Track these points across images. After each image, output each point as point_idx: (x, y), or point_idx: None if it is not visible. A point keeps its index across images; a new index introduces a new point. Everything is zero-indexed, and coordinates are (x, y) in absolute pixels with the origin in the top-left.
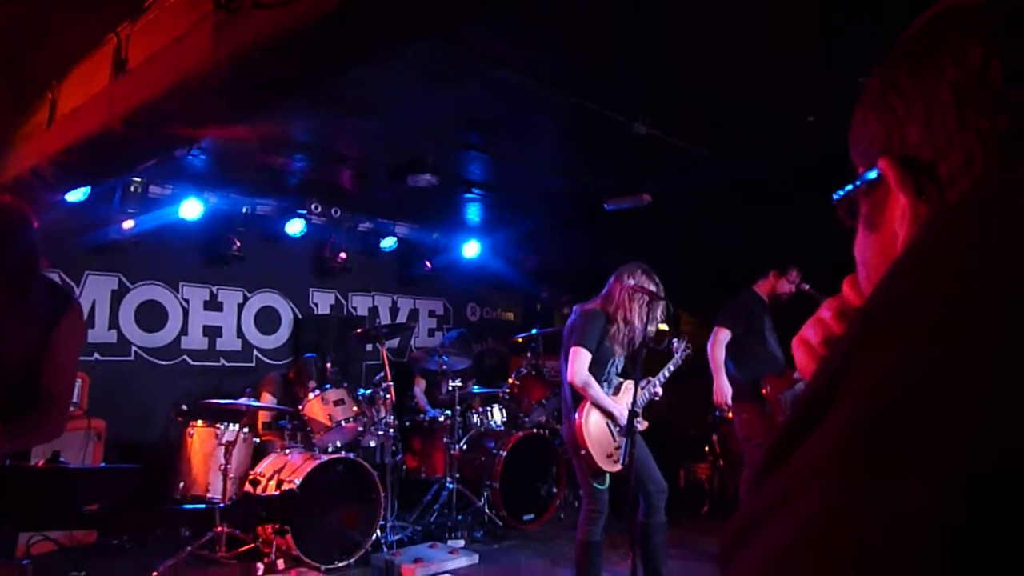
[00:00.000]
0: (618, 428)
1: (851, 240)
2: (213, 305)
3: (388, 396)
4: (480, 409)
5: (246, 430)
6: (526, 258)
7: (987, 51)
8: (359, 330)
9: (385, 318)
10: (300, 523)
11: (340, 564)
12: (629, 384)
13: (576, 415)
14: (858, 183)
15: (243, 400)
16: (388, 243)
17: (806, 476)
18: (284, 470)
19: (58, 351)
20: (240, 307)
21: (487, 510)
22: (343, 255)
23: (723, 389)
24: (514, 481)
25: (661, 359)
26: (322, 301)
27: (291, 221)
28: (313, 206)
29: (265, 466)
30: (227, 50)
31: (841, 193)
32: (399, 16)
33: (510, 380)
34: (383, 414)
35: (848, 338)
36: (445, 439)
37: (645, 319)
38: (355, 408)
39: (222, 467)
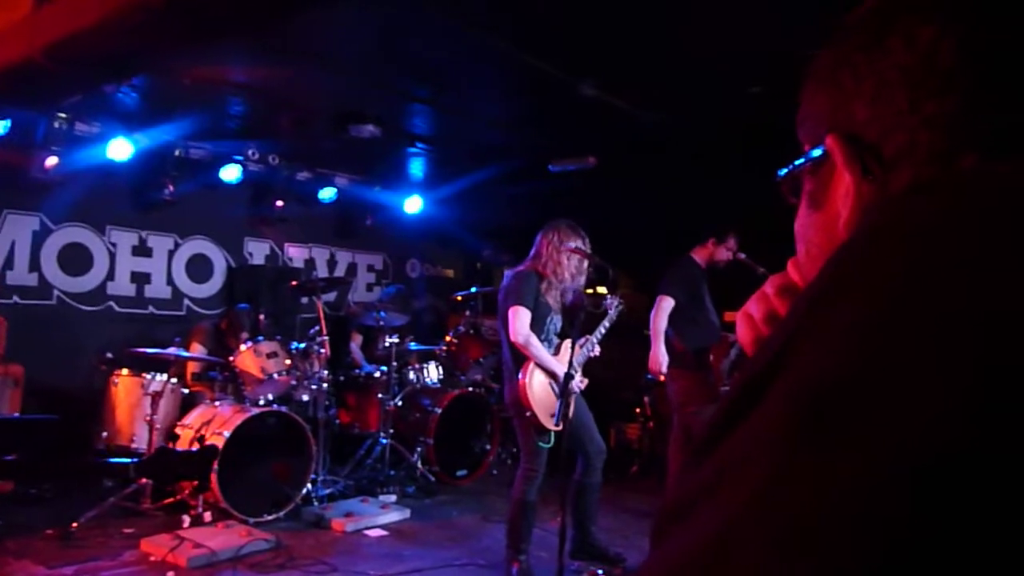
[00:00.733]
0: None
1: (790, 213)
2: (142, 251)
3: (323, 350)
4: (417, 366)
5: (174, 380)
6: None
7: (939, 32)
8: (295, 282)
9: (322, 271)
10: (229, 476)
11: (269, 517)
12: (567, 344)
13: (520, 375)
14: (803, 160)
15: (172, 350)
16: (327, 194)
17: (741, 457)
18: (213, 422)
19: None
20: (171, 254)
21: (420, 466)
22: (280, 204)
23: (659, 357)
24: (448, 438)
25: (598, 318)
26: (257, 251)
27: (227, 167)
28: (250, 152)
29: (193, 418)
30: None
31: (785, 170)
32: None
33: (448, 338)
34: (317, 368)
35: (792, 319)
36: (380, 395)
37: (574, 271)
38: (288, 361)
39: (148, 418)
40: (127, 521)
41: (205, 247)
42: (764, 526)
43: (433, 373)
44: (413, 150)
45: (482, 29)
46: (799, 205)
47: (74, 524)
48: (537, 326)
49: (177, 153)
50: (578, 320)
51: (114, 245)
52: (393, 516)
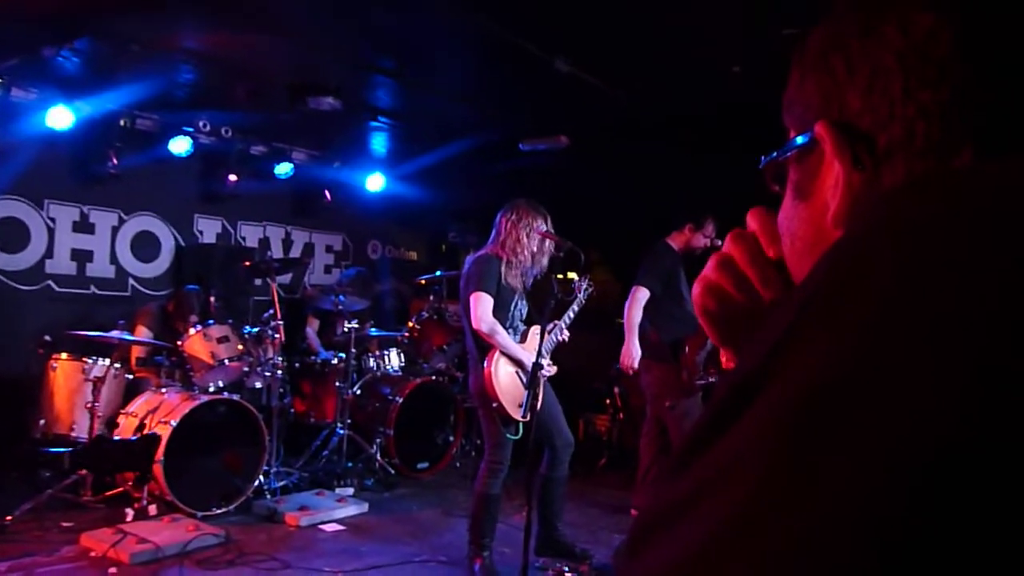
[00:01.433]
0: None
1: (774, 200)
2: (84, 227)
3: (277, 335)
4: (377, 353)
5: (118, 365)
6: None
7: (937, 20)
8: (248, 262)
9: (277, 251)
10: (176, 467)
11: (218, 511)
12: (535, 330)
13: (485, 364)
14: (789, 147)
15: (115, 333)
16: (284, 170)
17: (730, 463)
18: (159, 410)
19: None
20: (115, 230)
21: (379, 458)
22: (233, 179)
23: (632, 351)
24: (409, 429)
25: (568, 305)
26: (208, 229)
27: (176, 139)
28: (201, 123)
29: (138, 405)
30: None
31: (769, 157)
32: None
33: (410, 324)
34: (271, 354)
35: (782, 321)
36: (338, 383)
37: (535, 251)
38: (240, 346)
39: (89, 405)
40: (66, 514)
41: (152, 224)
42: (755, 537)
43: (394, 360)
44: (375, 124)
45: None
46: (783, 195)
47: (8, 517)
48: (501, 312)
49: (122, 123)
50: (547, 307)
51: (53, 221)
52: (350, 510)
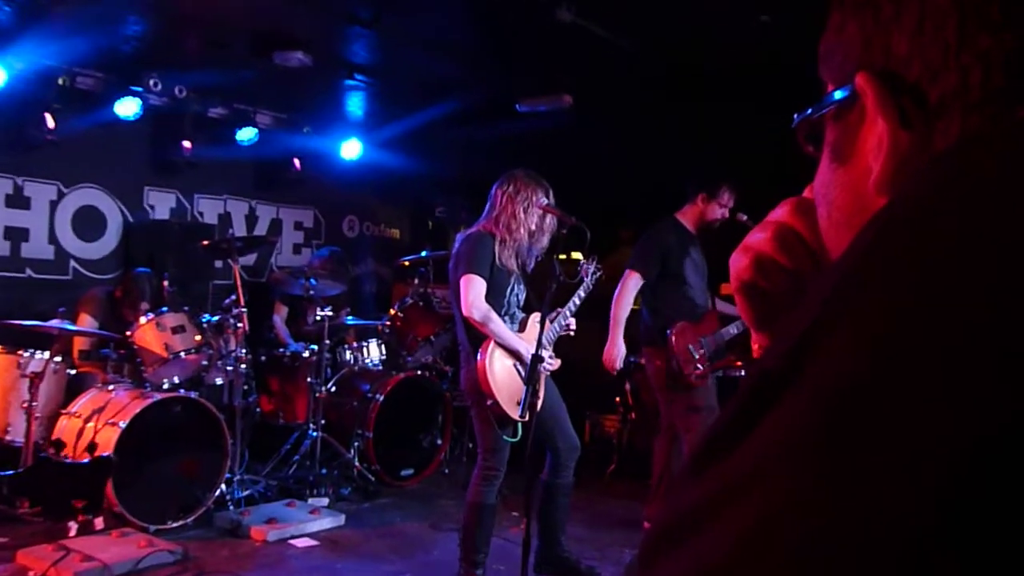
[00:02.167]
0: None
1: (806, 165)
2: (17, 201)
3: (240, 325)
4: (354, 344)
5: (58, 359)
6: None
7: None
8: (206, 242)
9: (240, 228)
10: (126, 475)
11: (175, 524)
12: (535, 318)
13: (478, 357)
14: (826, 103)
15: (55, 322)
16: (247, 135)
17: (748, 474)
18: (106, 410)
19: None
20: (53, 205)
21: (357, 463)
22: (188, 146)
23: (615, 350)
24: (392, 431)
25: (573, 289)
26: (160, 203)
27: (122, 100)
28: (152, 82)
29: (82, 405)
30: None
31: (803, 114)
32: None
33: (392, 311)
34: (233, 346)
35: (814, 306)
36: (309, 379)
37: (533, 228)
38: (198, 337)
39: (25, 404)
40: (0, 528)
41: (96, 198)
42: (778, 552)
43: (374, 353)
44: (351, 83)
45: None
46: (819, 157)
47: None
48: (495, 298)
49: (61, 82)
50: (549, 292)
51: None
52: (324, 522)
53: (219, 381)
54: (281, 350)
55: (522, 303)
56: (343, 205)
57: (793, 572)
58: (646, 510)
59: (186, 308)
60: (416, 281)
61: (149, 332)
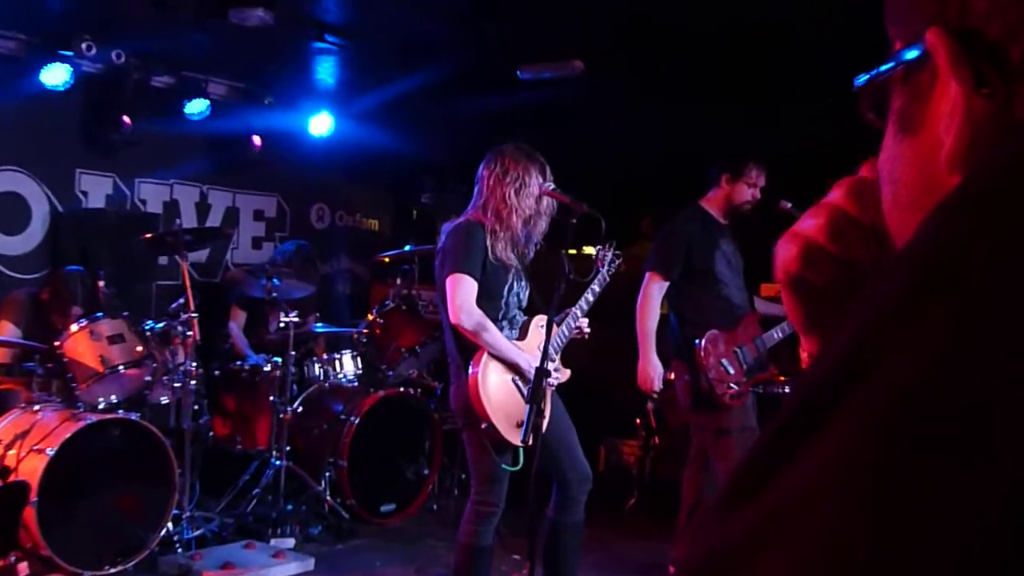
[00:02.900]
0: (529, 385)
1: (868, 139)
2: None
3: (189, 333)
4: (324, 357)
5: None
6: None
7: None
8: (149, 235)
9: (189, 219)
10: (54, 511)
11: (113, 570)
12: (539, 322)
13: (470, 371)
14: (893, 64)
15: None
16: (197, 108)
17: (790, 510)
18: (31, 435)
19: None
20: None
21: (329, 497)
22: (128, 121)
23: (651, 369)
24: (369, 459)
25: (582, 289)
26: (94, 189)
27: (49, 67)
28: (84, 46)
29: (2, 428)
30: None
31: (869, 75)
32: None
33: (370, 317)
34: (181, 359)
35: (869, 308)
36: (272, 397)
37: (528, 212)
38: (140, 348)
39: None
40: None
41: (18, 182)
42: None
43: (348, 367)
44: (320, 46)
45: None
46: (884, 127)
47: None
48: (491, 300)
49: None
50: (557, 293)
51: None
52: (291, 568)
53: (165, 400)
54: (238, 363)
55: (524, 303)
56: (312, 191)
57: None
58: (673, 551)
59: (125, 314)
60: (398, 281)
61: (82, 342)
